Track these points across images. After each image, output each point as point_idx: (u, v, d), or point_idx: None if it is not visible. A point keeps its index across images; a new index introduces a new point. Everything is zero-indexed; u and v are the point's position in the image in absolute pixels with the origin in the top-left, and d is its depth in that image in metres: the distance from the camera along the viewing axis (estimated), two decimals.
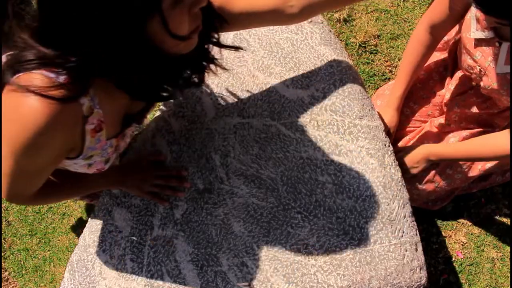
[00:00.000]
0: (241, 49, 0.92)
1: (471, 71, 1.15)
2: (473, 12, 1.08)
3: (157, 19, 0.60)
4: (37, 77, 0.63)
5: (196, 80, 0.86)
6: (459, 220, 1.64)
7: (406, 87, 1.32)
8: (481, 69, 1.11)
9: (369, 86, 1.77)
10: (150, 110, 0.95)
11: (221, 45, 0.86)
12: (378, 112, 1.19)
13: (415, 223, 1.08)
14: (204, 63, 0.86)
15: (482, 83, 1.14)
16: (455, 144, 1.24)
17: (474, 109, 1.26)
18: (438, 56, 1.40)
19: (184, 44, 0.68)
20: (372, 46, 1.79)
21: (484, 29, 1.05)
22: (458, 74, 1.30)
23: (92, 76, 0.67)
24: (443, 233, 1.64)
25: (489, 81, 1.10)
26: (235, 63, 1.16)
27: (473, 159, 1.28)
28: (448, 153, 1.22)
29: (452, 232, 1.63)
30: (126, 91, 0.72)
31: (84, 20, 0.56)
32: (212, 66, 0.89)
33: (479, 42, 1.08)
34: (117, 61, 0.64)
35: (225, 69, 0.91)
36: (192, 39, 0.69)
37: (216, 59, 0.88)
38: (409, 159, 1.30)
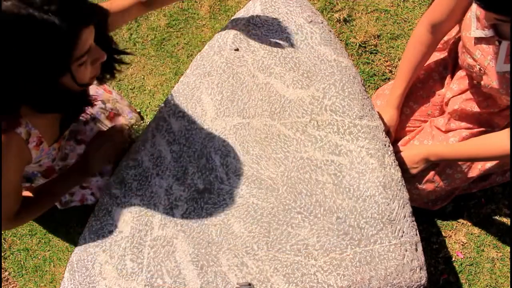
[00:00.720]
0: (132, 54, 1.12)
1: (471, 70, 1.15)
2: (473, 11, 1.08)
3: (68, 75, 0.80)
4: None
5: (108, 77, 1.04)
6: (459, 220, 1.64)
7: (406, 86, 1.32)
8: (481, 68, 1.11)
9: (369, 86, 1.77)
10: (84, 108, 1.13)
11: (117, 52, 1.02)
12: (378, 112, 1.19)
13: (415, 223, 1.08)
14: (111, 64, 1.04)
15: (482, 82, 1.14)
16: (455, 145, 1.24)
17: (475, 108, 1.26)
18: (438, 56, 1.40)
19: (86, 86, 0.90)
20: (372, 46, 1.79)
21: (484, 27, 1.05)
22: (460, 73, 1.30)
23: (16, 111, 0.85)
24: (443, 233, 1.64)
25: (489, 80, 1.10)
26: (235, 63, 1.16)
27: (473, 159, 1.28)
28: (448, 153, 1.22)
29: (452, 232, 1.63)
30: (49, 112, 0.90)
31: (12, 81, 0.75)
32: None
33: (478, 41, 1.08)
34: (38, 100, 0.84)
35: (127, 63, 1.07)
36: (92, 82, 0.91)
37: (119, 54, 1.04)
38: (409, 159, 1.30)
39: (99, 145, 1.13)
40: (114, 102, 1.41)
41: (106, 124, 1.33)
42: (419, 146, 1.32)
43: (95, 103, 1.32)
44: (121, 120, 1.39)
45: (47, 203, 1.11)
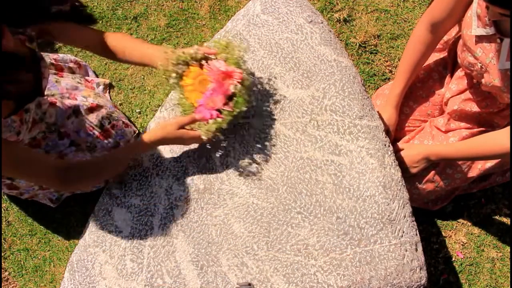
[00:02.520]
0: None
1: (472, 68, 1.15)
2: (474, 9, 1.07)
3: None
4: None
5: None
6: (459, 220, 1.64)
7: (405, 85, 1.32)
8: (482, 66, 1.11)
9: (369, 86, 1.77)
10: (42, 83, 1.10)
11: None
12: (378, 111, 1.19)
13: (415, 223, 1.08)
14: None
15: (483, 80, 1.13)
16: (455, 144, 1.24)
17: (474, 108, 1.26)
18: (437, 56, 1.40)
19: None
20: (372, 46, 1.79)
21: (485, 25, 1.05)
22: (459, 73, 1.30)
23: None
24: (443, 233, 1.63)
25: (490, 78, 1.10)
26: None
27: (474, 158, 1.28)
28: (449, 153, 1.22)
29: (452, 232, 1.63)
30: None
31: None
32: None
33: (480, 39, 1.08)
34: None
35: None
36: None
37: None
38: (409, 159, 1.30)
39: (175, 137, 1.05)
40: (96, 97, 1.44)
41: (87, 117, 1.36)
42: (419, 146, 1.32)
43: (76, 97, 1.37)
44: (103, 112, 1.41)
45: (107, 164, 1.06)
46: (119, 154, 1.08)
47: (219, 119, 1.01)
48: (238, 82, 1.01)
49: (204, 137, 1.02)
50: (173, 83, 1.05)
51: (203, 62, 1.03)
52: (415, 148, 1.30)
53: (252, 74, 1.13)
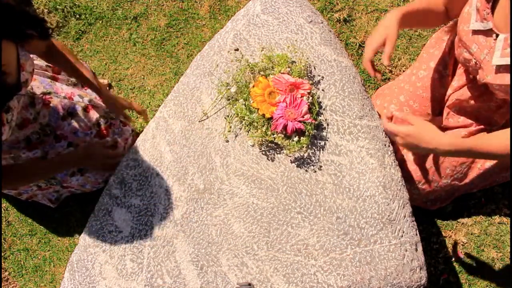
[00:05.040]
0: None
1: (468, 64, 1.15)
2: (474, 3, 1.08)
3: None
4: None
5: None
6: (459, 220, 1.64)
7: (413, 9, 1.18)
8: (477, 62, 1.11)
9: (369, 86, 1.77)
10: (20, 77, 1.05)
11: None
12: (373, 34, 1.10)
13: (415, 223, 1.08)
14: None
15: (478, 76, 1.14)
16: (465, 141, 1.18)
17: (472, 102, 1.26)
18: (437, 55, 1.40)
19: None
20: None
21: (483, 19, 1.06)
22: (460, 70, 1.30)
23: None
24: (443, 233, 1.64)
25: (484, 74, 1.10)
26: (235, 64, 1.16)
27: (474, 156, 1.27)
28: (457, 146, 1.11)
29: (452, 232, 1.63)
30: None
31: None
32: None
33: (476, 34, 1.08)
34: None
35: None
36: None
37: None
38: (417, 139, 1.05)
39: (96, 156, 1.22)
40: (91, 97, 1.43)
41: (84, 117, 1.36)
42: (436, 135, 1.13)
43: (72, 97, 1.36)
44: (100, 112, 1.40)
45: (35, 173, 1.16)
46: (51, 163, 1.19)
47: (303, 138, 1.06)
48: (308, 92, 1.06)
49: (289, 154, 1.09)
50: (235, 92, 1.10)
51: (266, 73, 1.09)
52: (429, 132, 1.06)
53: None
